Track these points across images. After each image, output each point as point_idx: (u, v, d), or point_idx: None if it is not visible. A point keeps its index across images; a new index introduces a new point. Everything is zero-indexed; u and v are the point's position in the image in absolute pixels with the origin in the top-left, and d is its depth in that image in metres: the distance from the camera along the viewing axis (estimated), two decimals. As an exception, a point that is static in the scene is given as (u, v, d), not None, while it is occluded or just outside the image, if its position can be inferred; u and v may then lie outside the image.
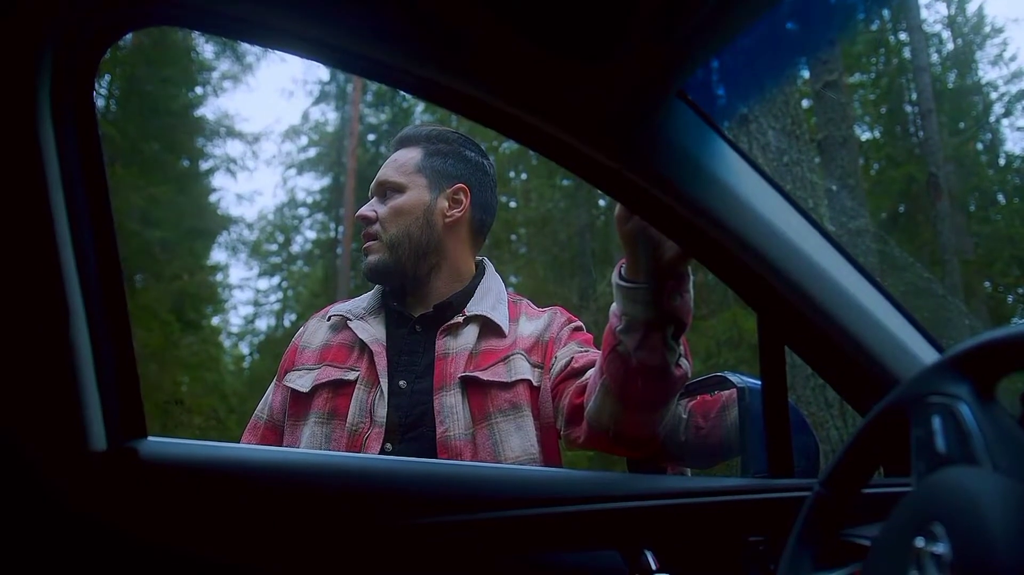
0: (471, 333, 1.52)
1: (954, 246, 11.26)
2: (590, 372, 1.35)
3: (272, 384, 1.61)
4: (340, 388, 1.47)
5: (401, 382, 1.47)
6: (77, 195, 0.86)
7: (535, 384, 1.48)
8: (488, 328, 1.53)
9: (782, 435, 1.06)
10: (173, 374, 11.73)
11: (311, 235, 20.47)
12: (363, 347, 1.52)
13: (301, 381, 1.51)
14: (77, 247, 0.87)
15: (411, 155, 1.61)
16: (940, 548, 0.51)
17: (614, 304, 1.20)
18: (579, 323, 1.59)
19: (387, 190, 1.59)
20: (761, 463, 1.09)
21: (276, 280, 20.92)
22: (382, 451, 1.39)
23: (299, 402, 1.50)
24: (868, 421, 0.70)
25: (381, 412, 1.42)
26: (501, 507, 1.03)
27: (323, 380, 1.49)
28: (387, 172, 1.60)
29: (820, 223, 1.06)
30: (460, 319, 1.53)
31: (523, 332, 1.55)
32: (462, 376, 1.45)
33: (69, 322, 0.88)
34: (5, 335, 0.87)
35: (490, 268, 1.67)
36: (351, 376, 1.48)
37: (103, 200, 0.90)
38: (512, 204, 16.45)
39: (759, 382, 1.11)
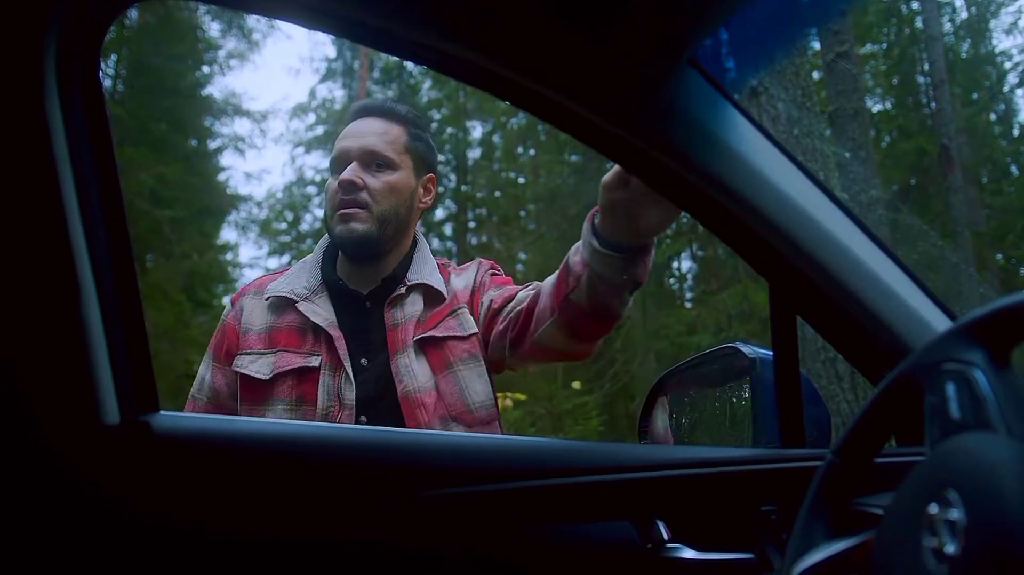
0: (416, 302, 1.57)
1: (966, 218, 11.16)
2: (510, 306, 1.51)
3: (206, 364, 1.60)
4: (304, 375, 1.48)
5: (362, 360, 1.50)
6: (87, 175, 0.87)
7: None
8: (430, 294, 1.59)
9: (794, 405, 1.06)
10: (185, 353, 11.79)
11: (320, 213, 20.47)
12: (317, 330, 1.52)
13: (255, 367, 1.50)
14: (87, 227, 0.88)
15: (397, 132, 1.60)
16: (954, 514, 0.51)
17: (577, 253, 1.28)
18: (497, 268, 1.69)
19: (377, 162, 1.56)
20: (773, 433, 1.09)
21: (286, 259, 20.94)
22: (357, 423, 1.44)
23: (255, 388, 1.49)
24: (882, 389, 0.69)
25: (349, 395, 1.46)
26: (511, 478, 1.04)
27: (285, 368, 1.48)
28: (378, 143, 1.57)
29: (831, 192, 1.05)
30: (403, 289, 1.57)
31: (457, 287, 1.62)
32: (417, 339, 1.51)
33: (80, 298, 0.88)
34: (19, 313, 0.87)
35: (422, 238, 1.70)
36: (314, 362, 1.48)
37: (112, 180, 0.90)
38: (521, 180, 16.40)
39: (770, 353, 1.10)
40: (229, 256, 17.80)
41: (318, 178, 20.01)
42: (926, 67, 14.12)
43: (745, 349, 1.22)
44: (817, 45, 6.70)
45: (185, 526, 0.97)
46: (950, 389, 0.59)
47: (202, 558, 0.98)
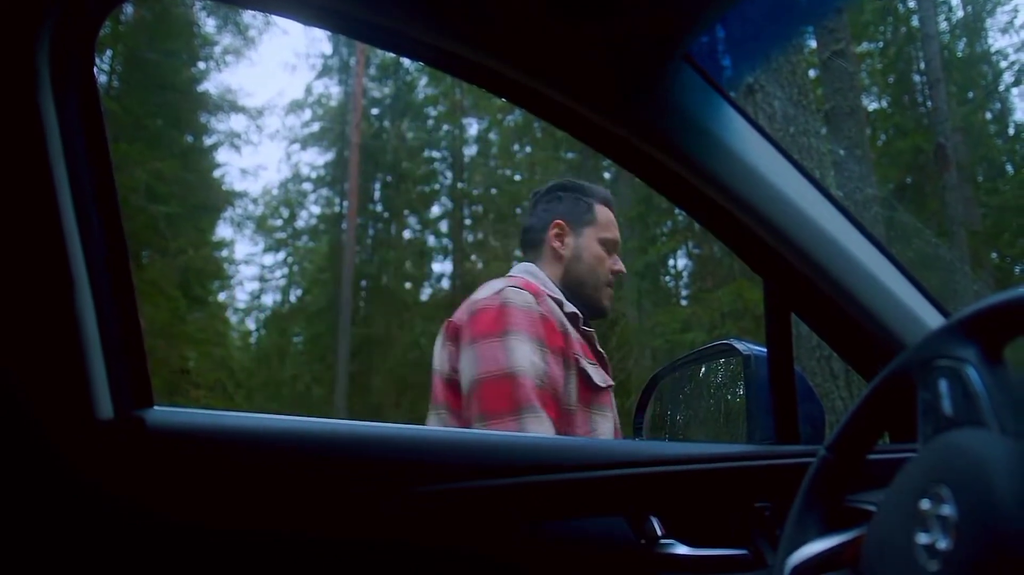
0: None
1: (962, 217, 11.18)
2: None
3: (531, 348, 1.47)
4: (608, 392, 1.61)
5: None
6: (81, 171, 0.87)
7: None
8: None
9: (788, 402, 1.06)
10: (180, 349, 11.79)
11: (316, 210, 20.40)
12: (597, 357, 1.64)
13: (592, 370, 1.58)
14: (82, 222, 0.87)
15: None
16: (946, 510, 0.51)
17: None
18: None
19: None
20: (767, 430, 1.09)
21: (281, 255, 20.89)
22: None
23: (591, 391, 1.57)
24: (875, 385, 0.70)
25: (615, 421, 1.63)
26: (505, 474, 1.04)
27: (609, 382, 1.61)
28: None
29: (827, 189, 1.05)
30: None
31: None
32: None
33: (75, 294, 0.88)
34: (14, 308, 0.87)
35: None
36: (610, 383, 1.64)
37: (107, 176, 0.90)
38: (517, 177, 16.39)
39: (765, 350, 1.10)
40: (224, 252, 17.77)
41: (314, 175, 19.98)
42: (922, 66, 14.13)
43: (740, 346, 1.23)
44: (813, 43, 6.69)
45: (178, 521, 0.97)
46: (943, 386, 0.59)
47: (195, 553, 0.98)
